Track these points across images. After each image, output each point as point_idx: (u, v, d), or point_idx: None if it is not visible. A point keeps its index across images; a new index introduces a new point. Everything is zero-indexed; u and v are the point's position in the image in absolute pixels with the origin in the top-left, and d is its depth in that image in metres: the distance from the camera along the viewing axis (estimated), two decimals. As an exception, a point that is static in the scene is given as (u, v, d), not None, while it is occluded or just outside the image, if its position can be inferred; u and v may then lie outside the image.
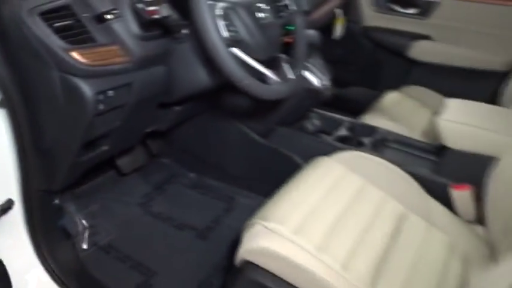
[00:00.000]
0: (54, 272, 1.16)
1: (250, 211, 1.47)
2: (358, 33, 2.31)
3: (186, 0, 0.97)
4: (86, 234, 1.40)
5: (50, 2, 0.92)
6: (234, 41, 1.01)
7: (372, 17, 2.27)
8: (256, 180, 1.67)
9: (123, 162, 1.56)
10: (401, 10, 2.20)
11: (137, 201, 1.64)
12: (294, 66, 1.21)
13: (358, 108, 1.96)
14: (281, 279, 0.97)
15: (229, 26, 1.00)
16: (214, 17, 0.95)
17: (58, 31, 0.91)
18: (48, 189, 1.13)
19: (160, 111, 1.30)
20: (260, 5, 1.10)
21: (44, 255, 1.15)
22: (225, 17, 1.00)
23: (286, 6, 1.21)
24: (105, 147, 1.15)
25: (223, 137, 1.67)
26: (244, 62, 1.01)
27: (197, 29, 0.94)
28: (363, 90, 2.34)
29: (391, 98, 1.95)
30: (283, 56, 1.22)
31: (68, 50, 0.91)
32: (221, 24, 0.97)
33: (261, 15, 1.09)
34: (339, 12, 2.12)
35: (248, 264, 1.01)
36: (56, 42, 0.90)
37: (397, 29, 2.22)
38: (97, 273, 1.29)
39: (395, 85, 2.15)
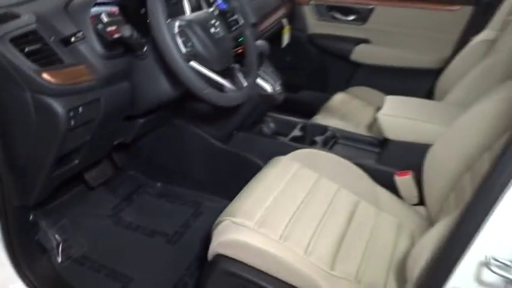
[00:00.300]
0: (34, 285, 1.20)
1: (217, 214, 1.58)
2: (304, 41, 2.47)
3: (145, 20, 1.07)
4: (60, 248, 1.45)
5: (18, 29, 0.99)
6: (192, 55, 1.11)
7: (315, 25, 2.43)
8: (220, 184, 1.77)
9: (91, 176, 1.61)
10: (342, 17, 2.37)
11: (107, 213, 1.70)
12: (247, 75, 1.33)
13: (309, 110, 2.10)
14: (251, 267, 1.07)
15: (186, 42, 1.10)
16: (173, 34, 1.05)
17: (28, 55, 0.98)
18: (24, 205, 1.18)
19: (125, 124, 1.38)
20: (213, 21, 1.21)
21: (23, 270, 1.20)
22: (182, 34, 1.11)
23: (236, 20, 1.33)
24: (76, 161, 1.22)
25: (185, 145, 1.76)
26: (202, 74, 1.12)
27: (158, 46, 1.04)
28: (312, 94, 2.49)
29: (338, 99, 2.11)
30: (236, 65, 1.33)
31: (39, 72, 0.98)
32: (179, 41, 1.08)
33: (214, 30, 1.20)
34: (285, 22, 2.26)
35: (220, 257, 1.11)
36: (27, 65, 0.97)
37: (339, 34, 2.39)
38: (75, 284, 1.34)
39: (341, 87, 2.32)
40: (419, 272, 0.84)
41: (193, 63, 1.11)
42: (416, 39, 2.24)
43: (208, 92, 1.11)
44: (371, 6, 2.28)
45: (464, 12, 2.10)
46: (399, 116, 1.51)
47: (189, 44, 1.11)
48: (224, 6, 1.45)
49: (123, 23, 1.14)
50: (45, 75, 0.99)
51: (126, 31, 1.08)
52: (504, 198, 0.62)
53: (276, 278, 1.05)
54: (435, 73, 2.10)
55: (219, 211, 1.58)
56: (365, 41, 2.35)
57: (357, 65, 2.40)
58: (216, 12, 1.30)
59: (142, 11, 1.16)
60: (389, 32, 2.29)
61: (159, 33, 1.02)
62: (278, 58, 1.86)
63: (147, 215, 1.73)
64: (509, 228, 0.63)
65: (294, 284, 1.04)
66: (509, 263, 0.60)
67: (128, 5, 1.19)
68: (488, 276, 0.63)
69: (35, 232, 1.31)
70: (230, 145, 1.71)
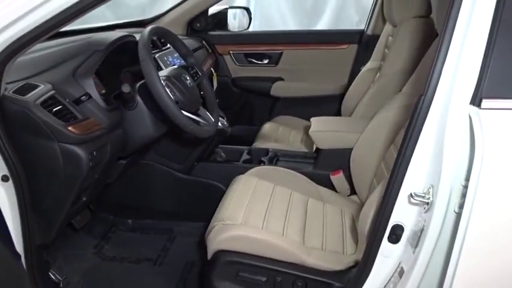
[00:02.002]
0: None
1: (190, 234, 1.90)
2: (229, 84, 2.88)
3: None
4: (61, 285, 1.62)
5: (42, 96, 1.24)
6: (176, 102, 1.45)
7: (236, 70, 2.86)
8: (188, 210, 2.06)
9: (76, 219, 1.80)
10: (258, 62, 2.84)
11: (90, 251, 1.89)
12: (211, 112, 1.69)
13: (244, 140, 2.48)
14: (245, 253, 1.40)
15: (171, 92, 1.44)
16: (164, 87, 1.38)
17: (55, 114, 1.24)
18: (44, 243, 1.38)
19: (112, 165, 1.64)
20: (183, 74, 1.56)
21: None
22: (167, 86, 1.45)
23: (196, 72, 1.69)
24: (84, 199, 1.45)
25: (152, 181, 2.04)
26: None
27: (155, 98, 1.36)
28: (243, 127, 2.87)
29: (268, 128, 2.55)
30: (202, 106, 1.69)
31: (65, 126, 1.24)
32: (168, 91, 1.41)
33: (186, 81, 1.55)
34: (212, 70, 2.67)
35: (219, 253, 1.42)
36: (57, 122, 1.22)
37: (258, 76, 2.85)
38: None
39: (266, 118, 2.77)
40: (369, 222, 1.25)
41: (177, 108, 1.44)
42: (319, 72, 2.78)
43: (193, 128, 1.45)
44: (280, 51, 2.79)
45: (352, 49, 2.71)
46: (325, 130, 1.97)
47: (173, 93, 1.45)
48: (178, 63, 1.82)
49: (99, 83, 1.45)
50: (70, 128, 1.25)
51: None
52: (411, 162, 1.06)
53: (266, 258, 1.39)
54: (339, 97, 2.64)
55: (192, 232, 1.90)
56: (279, 78, 2.84)
57: (276, 99, 2.87)
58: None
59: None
60: (297, 70, 2.80)
61: (155, 89, 1.34)
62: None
63: (127, 248, 1.95)
64: (417, 177, 1.06)
65: (280, 259, 1.39)
66: (420, 193, 1.03)
67: (101, 70, 1.49)
68: (413, 202, 1.06)
69: (48, 269, 1.49)
70: (193, 175, 2.03)
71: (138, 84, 1.52)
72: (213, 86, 2.64)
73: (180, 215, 2.08)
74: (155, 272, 1.81)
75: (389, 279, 1.17)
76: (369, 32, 2.63)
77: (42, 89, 1.27)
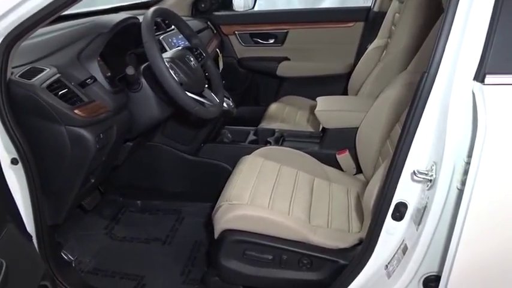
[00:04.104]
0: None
1: (198, 215, 1.92)
2: (235, 65, 2.88)
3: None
4: (73, 264, 1.66)
5: (47, 79, 1.26)
6: (181, 83, 1.45)
7: (242, 50, 2.85)
8: (195, 191, 2.08)
9: (86, 201, 1.84)
10: (264, 42, 2.83)
11: (101, 232, 1.93)
12: (216, 93, 1.69)
13: (251, 121, 2.49)
14: (252, 232, 1.42)
15: (175, 73, 1.45)
16: (168, 69, 1.38)
17: (61, 97, 1.25)
18: (55, 224, 1.41)
19: (120, 148, 1.66)
20: (187, 56, 1.56)
21: (59, 280, 1.42)
22: (171, 68, 1.45)
23: (200, 53, 1.69)
24: (92, 181, 1.48)
25: (160, 163, 2.06)
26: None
27: (159, 79, 1.36)
28: (249, 108, 2.88)
29: (274, 108, 2.54)
30: (207, 87, 1.69)
31: (72, 109, 1.25)
32: (172, 73, 1.42)
33: (190, 62, 1.55)
34: (217, 51, 2.66)
35: (226, 232, 1.44)
36: (63, 105, 1.24)
37: (264, 56, 2.84)
38: (99, 286, 1.58)
39: (272, 98, 2.76)
40: (373, 200, 1.26)
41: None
42: (325, 51, 2.76)
43: (198, 109, 1.45)
44: (286, 30, 2.76)
45: (358, 27, 2.67)
46: (331, 110, 1.97)
47: (177, 75, 1.46)
48: (183, 44, 1.81)
49: (104, 66, 1.46)
50: (76, 111, 1.26)
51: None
52: (414, 139, 1.06)
53: (272, 236, 1.41)
54: (345, 76, 2.62)
55: (199, 212, 1.92)
56: (285, 58, 2.82)
57: (283, 79, 2.86)
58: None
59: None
60: (303, 49, 2.78)
61: (159, 70, 1.35)
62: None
63: (137, 229, 1.99)
64: (420, 154, 1.07)
65: (286, 237, 1.41)
66: (423, 170, 1.04)
67: (105, 53, 1.50)
68: (416, 179, 1.06)
69: (60, 249, 1.53)
70: (200, 156, 2.05)
71: (142, 67, 1.53)
72: (218, 67, 2.64)
73: (188, 195, 2.11)
74: (164, 252, 1.85)
75: (393, 256, 1.19)
76: (376, 8, 2.59)
77: (48, 73, 1.28)
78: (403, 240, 1.16)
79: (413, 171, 1.06)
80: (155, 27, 1.89)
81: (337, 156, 1.90)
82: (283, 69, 2.81)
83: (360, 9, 2.70)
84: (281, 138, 2.12)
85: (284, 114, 2.47)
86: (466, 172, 0.94)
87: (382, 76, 2.05)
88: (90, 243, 1.85)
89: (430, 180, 1.03)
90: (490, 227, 0.95)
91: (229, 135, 2.21)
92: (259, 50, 2.84)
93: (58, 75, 1.30)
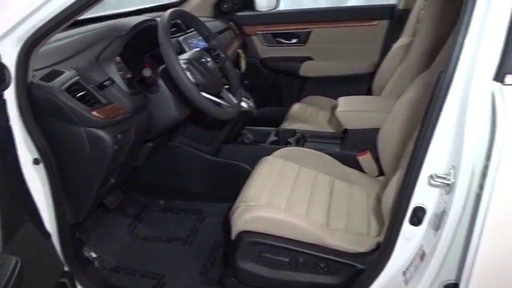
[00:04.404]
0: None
1: (219, 215, 1.92)
2: (257, 65, 2.87)
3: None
4: (97, 262, 1.70)
5: (66, 81, 1.29)
6: (197, 84, 1.46)
7: (265, 50, 2.84)
8: (216, 191, 2.09)
9: (108, 200, 1.87)
10: (286, 41, 2.81)
11: (124, 231, 1.97)
12: (233, 94, 1.69)
13: (273, 122, 2.48)
14: (268, 234, 1.41)
15: (192, 75, 1.45)
16: (184, 70, 1.39)
17: (79, 99, 1.28)
18: (76, 222, 1.44)
19: (139, 148, 1.69)
20: (204, 57, 1.57)
21: (80, 277, 1.45)
22: (187, 69, 1.46)
23: (218, 54, 1.69)
24: (112, 181, 1.50)
25: (181, 163, 2.08)
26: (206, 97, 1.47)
27: (175, 81, 1.37)
28: (272, 108, 2.87)
29: (297, 108, 2.52)
30: (225, 88, 1.69)
31: (90, 111, 1.28)
32: (188, 74, 1.42)
33: (207, 63, 1.55)
34: (240, 51, 2.66)
35: (243, 233, 1.43)
36: (81, 107, 1.26)
37: (287, 56, 2.82)
38: (119, 284, 1.61)
39: (295, 99, 2.74)
40: (391, 204, 1.23)
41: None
42: (349, 51, 2.71)
43: (214, 110, 1.45)
44: (308, 30, 2.73)
45: (383, 25, 2.61)
46: (352, 110, 1.93)
47: (194, 76, 1.46)
48: (202, 45, 1.82)
49: (125, 68, 1.48)
50: (94, 113, 1.29)
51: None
52: (431, 142, 1.02)
53: (288, 239, 1.40)
54: (369, 76, 2.57)
55: (220, 213, 1.92)
56: (308, 58, 2.79)
57: (305, 79, 2.83)
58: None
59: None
60: (326, 48, 2.75)
61: (175, 72, 1.36)
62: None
63: (158, 228, 2.01)
64: (438, 157, 1.03)
65: (302, 240, 1.39)
66: (441, 175, 1.00)
67: (126, 55, 1.52)
68: (433, 184, 1.02)
69: (81, 247, 1.56)
70: (220, 156, 2.05)
71: (160, 68, 1.54)
72: (240, 67, 2.64)
73: (209, 196, 2.12)
74: (185, 251, 1.87)
75: (411, 262, 1.15)
76: (401, 6, 2.52)
77: (67, 75, 1.31)
78: (421, 246, 1.13)
79: (431, 175, 1.02)
80: (176, 28, 1.91)
81: (358, 157, 1.87)
82: (306, 69, 2.78)
83: (384, 7, 2.64)
84: (302, 139, 2.10)
85: (306, 114, 2.45)
86: (484, 176, 0.90)
87: (405, 75, 1.99)
88: (113, 242, 1.89)
89: (448, 185, 1.00)
90: (510, 233, 0.91)
91: (250, 135, 2.21)
92: (282, 50, 2.82)
93: (77, 77, 1.32)
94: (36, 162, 1.27)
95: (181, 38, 1.84)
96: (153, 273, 1.72)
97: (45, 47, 1.27)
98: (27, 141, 1.24)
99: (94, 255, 1.68)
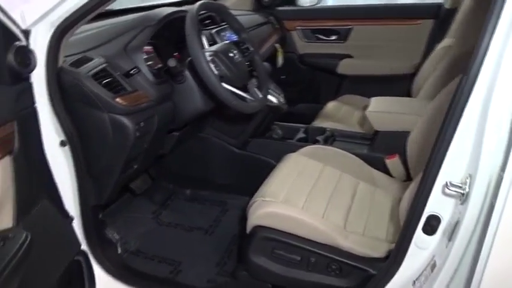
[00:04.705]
0: (109, 269, 1.51)
1: (242, 208, 1.92)
2: (295, 61, 2.85)
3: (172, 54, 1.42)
4: (119, 244, 1.75)
5: (94, 68, 1.33)
6: (221, 77, 1.46)
7: (304, 46, 2.82)
8: (241, 184, 2.10)
9: (136, 185, 1.93)
10: (326, 38, 2.77)
11: (148, 216, 2.02)
12: (260, 88, 1.68)
13: (307, 119, 2.45)
14: (282, 231, 1.40)
15: (216, 67, 1.46)
16: (207, 62, 1.40)
17: (105, 86, 1.32)
18: (97, 205, 1.50)
19: (166, 137, 1.72)
20: (231, 50, 1.57)
21: (100, 257, 1.50)
22: (213, 61, 1.46)
23: (247, 48, 1.69)
24: (135, 167, 1.55)
25: (209, 155, 2.10)
26: (230, 90, 1.47)
27: (198, 72, 1.39)
28: (307, 105, 2.85)
29: (331, 106, 2.48)
30: (252, 81, 1.68)
31: (114, 97, 1.32)
32: (212, 66, 1.43)
33: (234, 56, 1.55)
34: (277, 46, 2.65)
35: (257, 228, 1.43)
36: (106, 93, 1.30)
37: (325, 52, 2.78)
38: (137, 268, 1.65)
39: (332, 96, 2.69)
40: (406, 210, 1.18)
41: (222, 83, 1.46)
42: (390, 50, 2.63)
43: (236, 103, 1.46)
44: (349, 27, 2.68)
45: (427, 25, 2.51)
46: (383, 111, 1.87)
47: (218, 68, 1.47)
48: (236, 38, 1.82)
49: (156, 58, 1.51)
50: (118, 100, 1.32)
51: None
52: (449, 149, 0.97)
53: (302, 238, 1.38)
54: (409, 77, 2.48)
55: (243, 206, 1.92)
56: (347, 56, 2.74)
57: (343, 77, 2.78)
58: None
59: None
60: (367, 46, 2.68)
61: (198, 63, 1.37)
62: (274, 77, 2.21)
63: (183, 216, 2.05)
64: (455, 165, 0.98)
65: (316, 240, 1.37)
66: (457, 183, 0.95)
67: (158, 45, 1.55)
68: (448, 192, 0.98)
69: (103, 228, 1.62)
70: (247, 150, 2.06)
71: (188, 59, 1.56)
72: (277, 62, 2.62)
73: (234, 188, 2.13)
74: (205, 241, 1.90)
75: (422, 272, 1.11)
76: (448, 5, 2.41)
77: (96, 62, 1.35)
78: (434, 256, 1.08)
79: (446, 183, 0.97)
80: (209, 21, 1.93)
81: (386, 160, 1.81)
82: (344, 67, 2.73)
83: (429, 5, 2.53)
84: (331, 138, 2.07)
85: (340, 113, 2.40)
86: (498, 186, 0.85)
87: (441, 78, 1.90)
88: (137, 226, 1.94)
89: (463, 194, 0.94)
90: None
91: (279, 131, 2.20)
92: (321, 47, 2.79)
93: (105, 64, 1.37)
94: (62, 144, 1.33)
95: (214, 31, 1.85)
96: (170, 259, 1.76)
97: (79, 35, 1.33)
98: (55, 123, 1.29)
99: (117, 236, 1.74)
